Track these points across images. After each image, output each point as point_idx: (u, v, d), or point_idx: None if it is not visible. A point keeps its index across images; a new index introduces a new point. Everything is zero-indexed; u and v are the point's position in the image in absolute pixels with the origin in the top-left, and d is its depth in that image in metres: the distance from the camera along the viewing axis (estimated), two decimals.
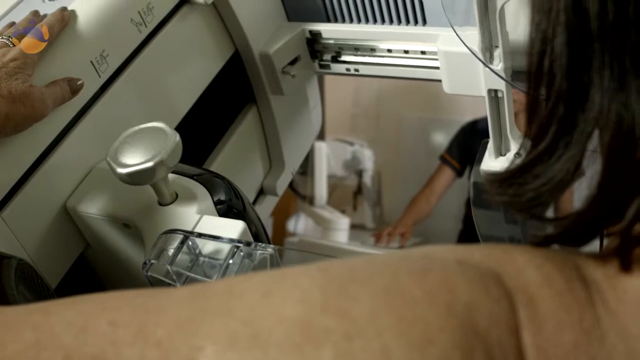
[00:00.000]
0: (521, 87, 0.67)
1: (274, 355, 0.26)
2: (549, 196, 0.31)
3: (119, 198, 0.64)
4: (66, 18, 0.66)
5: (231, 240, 0.55)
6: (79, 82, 0.65)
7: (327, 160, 2.17)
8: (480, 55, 0.67)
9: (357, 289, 0.28)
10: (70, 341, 0.29)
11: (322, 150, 2.12)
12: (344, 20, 0.86)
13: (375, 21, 0.84)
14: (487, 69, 0.70)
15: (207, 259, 0.55)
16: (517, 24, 0.74)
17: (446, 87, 0.79)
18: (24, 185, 0.63)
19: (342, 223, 2.02)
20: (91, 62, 0.67)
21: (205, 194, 0.62)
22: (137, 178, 0.57)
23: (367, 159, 2.49)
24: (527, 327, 0.28)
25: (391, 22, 0.83)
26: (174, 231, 0.56)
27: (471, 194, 0.78)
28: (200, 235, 0.56)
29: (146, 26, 0.72)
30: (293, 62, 0.87)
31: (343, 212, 2.33)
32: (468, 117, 2.09)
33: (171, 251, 0.55)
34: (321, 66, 0.88)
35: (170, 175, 0.61)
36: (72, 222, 0.68)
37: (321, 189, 2.11)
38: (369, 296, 0.28)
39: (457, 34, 0.66)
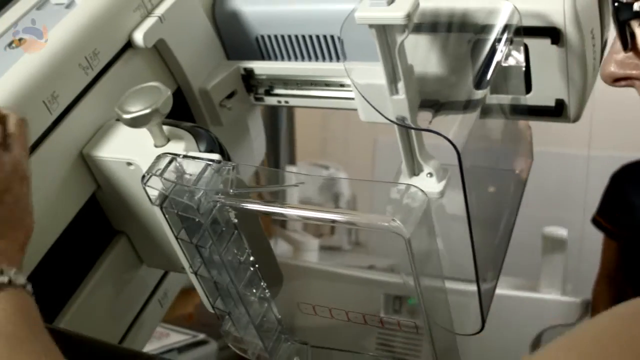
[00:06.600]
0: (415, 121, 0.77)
1: None
2: None
3: (123, 143, 0.82)
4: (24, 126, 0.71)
5: (208, 159, 0.73)
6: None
7: None
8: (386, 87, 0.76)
9: None
10: None
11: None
12: (276, 58, 0.96)
13: (303, 58, 0.94)
14: (394, 98, 0.79)
15: (189, 176, 0.73)
16: (429, 57, 0.84)
17: (362, 116, 0.88)
18: None
19: (311, 244, 2.10)
20: (43, 101, 0.77)
21: (191, 139, 0.80)
22: (138, 122, 0.75)
23: (343, 182, 2.55)
24: None
25: (316, 58, 0.93)
26: (165, 154, 0.74)
27: None
28: (184, 156, 0.74)
29: (92, 69, 0.82)
30: (230, 96, 0.95)
31: (321, 236, 2.40)
32: (440, 140, 2.15)
33: (162, 168, 0.73)
34: (256, 99, 0.97)
35: (165, 127, 0.80)
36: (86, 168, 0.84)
37: None
38: None
39: (345, 71, 0.76)
